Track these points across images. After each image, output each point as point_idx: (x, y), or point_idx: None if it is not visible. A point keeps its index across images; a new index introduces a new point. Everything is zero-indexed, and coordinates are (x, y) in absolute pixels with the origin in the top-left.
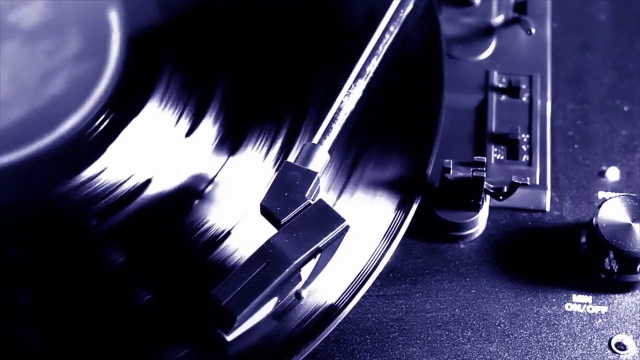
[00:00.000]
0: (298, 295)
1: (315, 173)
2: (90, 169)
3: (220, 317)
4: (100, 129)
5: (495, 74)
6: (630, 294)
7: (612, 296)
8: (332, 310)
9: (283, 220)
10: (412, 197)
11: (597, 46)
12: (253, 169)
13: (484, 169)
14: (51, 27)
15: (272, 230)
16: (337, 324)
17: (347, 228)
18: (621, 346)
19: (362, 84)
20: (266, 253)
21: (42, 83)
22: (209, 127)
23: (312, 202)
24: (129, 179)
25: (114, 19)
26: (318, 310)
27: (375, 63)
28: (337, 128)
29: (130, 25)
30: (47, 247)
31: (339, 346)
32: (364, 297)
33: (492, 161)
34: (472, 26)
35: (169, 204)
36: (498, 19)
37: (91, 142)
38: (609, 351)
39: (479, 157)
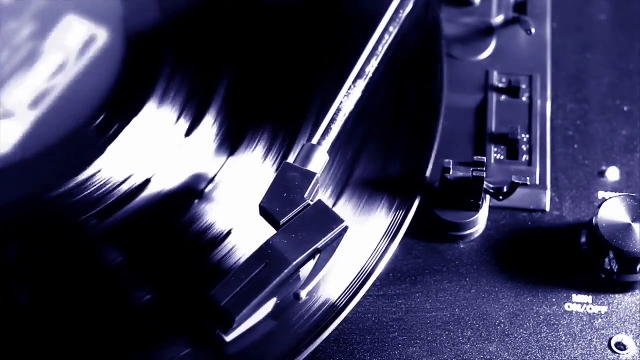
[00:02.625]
0: (297, 296)
1: (315, 174)
2: (90, 169)
3: (219, 317)
4: (101, 128)
5: (495, 74)
6: (630, 294)
7: (612, 296)
8: (332, 311)
9: (282, 221)
10: (412, 197)
11: (597, 46)
12: (253, 170)
13: (484, 169)
14: (51, 28)
15: (271, 231)
16: (337, 324)
17: (346, 229)
18: (621, 346)
19: (362, 84)
20: (265, 254)
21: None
22: (208, 127)
23: (311, 203)
24: (128, 178)
25: (114, 18)
26: (318, 311)
27: (374, 64)
28: (336, 129)
29: (131, 25)
30: (46, 246)
31: (339, 346)
32: (364, 297)
33: (492, 161)
34: (472, 26)
35: (169, 204)
36: (498, 19)
37: (91, 142)
38: (609, 351)
39: (479, 157)
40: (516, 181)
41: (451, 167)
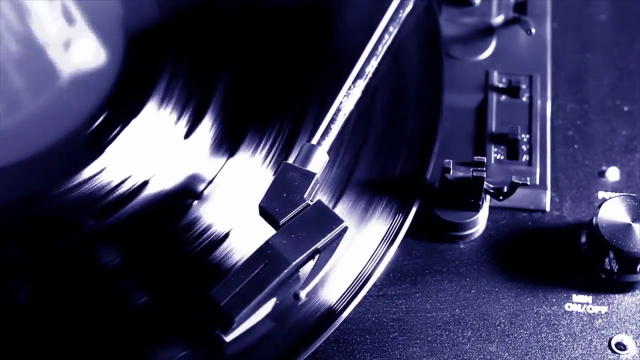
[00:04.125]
0: (296, 296)
1: (314, 174)
2: (89, 169)
3: (218, 317)
4: (100, 129)
5: (495, 74)
6: (630, 294)
7: (612, 296)
8: (332, 311)
9: (282, 221)
10: (412, 197)
11: (597, 46)
12: (252, 171)
13: (484, 169)
14: (51, 27)
15: (271, 231)
16: (337, 325)
17: (345, 229)
18: (621, 346)
19: (361, 84)
20: (265, 254)
21: (42, 83)
22: (208, 128)
23: (311, 203)
24: (127, 179)
25: (114, 19)
26: (318, 311)
27: (374, 63)
28: (336, 129)
29: (131, 25)
30: (45, 246)
31: (339, 346)
32: (364, 297)
33: (492, 161)
34: (472, 26)
35: (168, 205)
36: (498, 19)
37: (91, 143)
38: (609, 351)
39: (479, 157)
40: (516, 181)
41: (451, 167)
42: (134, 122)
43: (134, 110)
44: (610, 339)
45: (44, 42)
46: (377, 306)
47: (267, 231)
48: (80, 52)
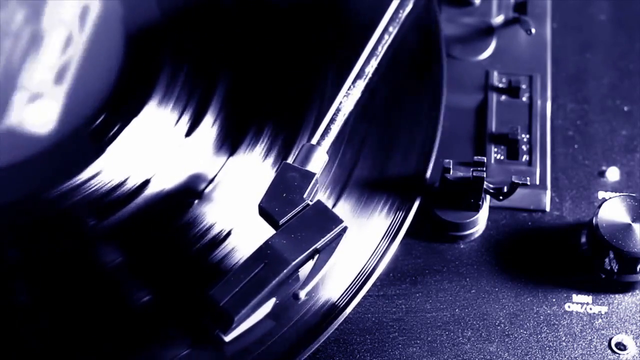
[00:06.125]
0: (296, 296)
1: (314, 174)
2: (90, 168)
3: (218, 317)
4: (100, 129)
5: (495, 74)
6: (630, 294)
7: (612, 296)
8: (332, 311)
9: (281, 221)
10: (412, 197)
11: (597, 46)
12: (252, 170)
13: (484, 169)
14: (51, 27)
15: (271, 231)
16: (337, 325)
17: (345, 229)
18: (621, 346)
19: (361, 84)
20: (264, 254)
21: (42, 83)
22: (208, 127)
23: (311, 203)
24: (128, 179)
25: (114, 18)
26: (318, 311)
27: (374, 63)
28: (335, 129)
29: (130, 25)
30: (46, 247)
31: (339, 346)
32: (364, 297)
33: (492, 161)
34: (472, 26)
35: (169, 204)
36: (498, 19)
37: (91, 142)
38: (609, 351)
39: (479, 157)
40: (516, 181)
41: (451, 167)
42: (135, 121)
43: (135, 109)
44: (610, 339)
45: (43, 42)
46: (377, 306)
47: (267, 231)
48: (81, 51)
